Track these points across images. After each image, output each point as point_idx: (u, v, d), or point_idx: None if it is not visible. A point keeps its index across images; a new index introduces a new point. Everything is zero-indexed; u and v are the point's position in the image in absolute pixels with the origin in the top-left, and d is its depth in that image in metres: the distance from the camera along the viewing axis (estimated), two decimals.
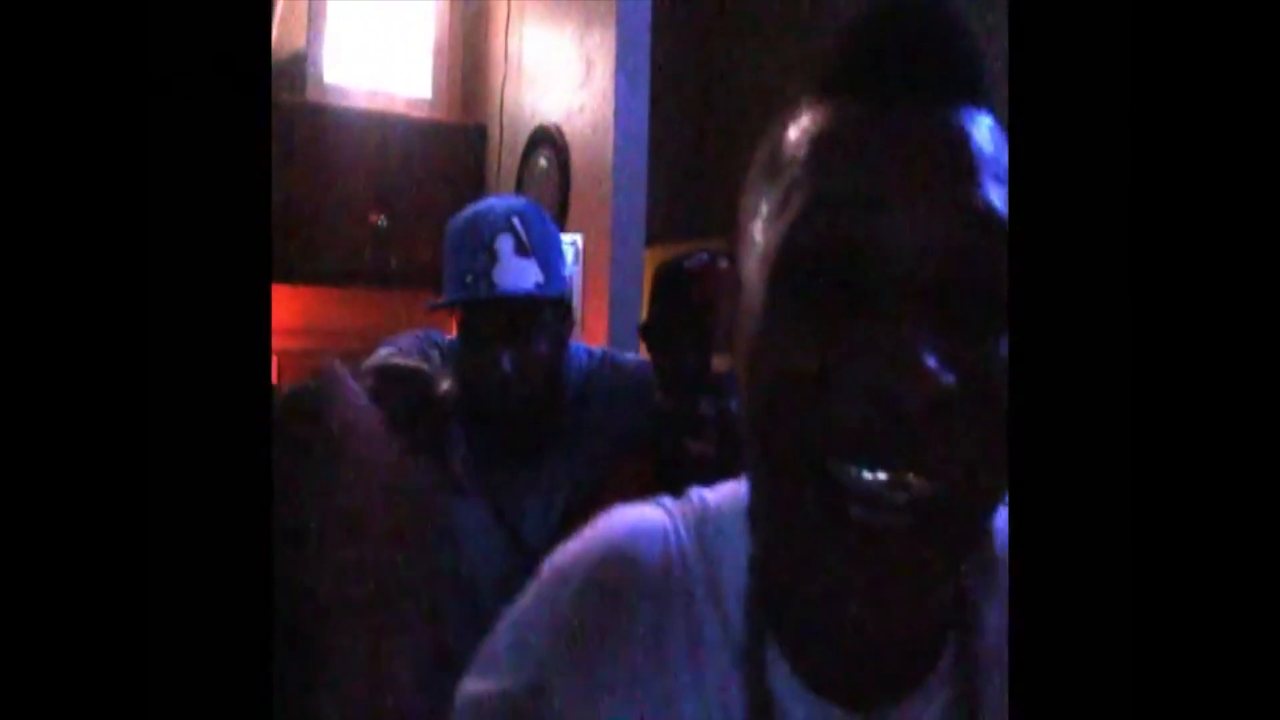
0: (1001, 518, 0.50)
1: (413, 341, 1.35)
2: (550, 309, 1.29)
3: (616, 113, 2.53)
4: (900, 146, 0.40)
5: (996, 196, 0.40)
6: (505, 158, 3.08)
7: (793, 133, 0.44)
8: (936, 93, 0.42)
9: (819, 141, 0.42)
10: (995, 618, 0.49)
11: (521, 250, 1.26)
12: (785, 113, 0.47)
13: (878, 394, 0.37)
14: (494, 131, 3.15)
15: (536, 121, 2.89)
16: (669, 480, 0.58)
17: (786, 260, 0.41)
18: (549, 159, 2.81)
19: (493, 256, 1.24)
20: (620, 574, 0.52)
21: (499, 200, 1.33)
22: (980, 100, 0.43)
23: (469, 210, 1.31)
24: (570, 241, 2.66)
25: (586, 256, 2.60)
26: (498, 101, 3.12)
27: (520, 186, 2.95)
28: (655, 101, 2.56)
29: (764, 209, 0.44)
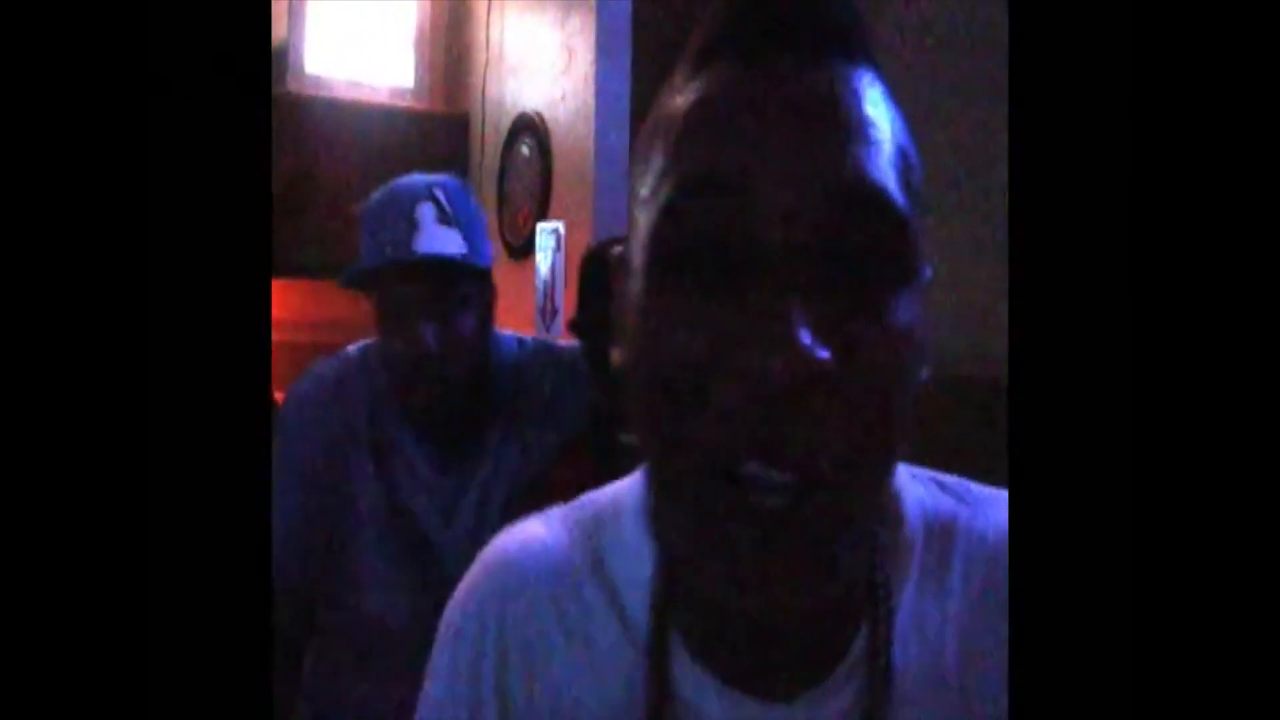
0: (913, 503, 0.50)
1: (343, 370, 1.27)
2: (475, 282, 1.20)
3: (598, 99, 2.52)
4: (766, 117, 0.39)
5: (869, 161, 0.38)
6: (487, 146, 3.07)
7: (666, 110, 0.43)
8: (808, 52, 0.40)
9: (686, 118, 0.41)
10: (908, 603, 0.48)
11: (443, 219, 1.17)
12: (665, 87, 0.45)
13: (752, 376, 0.36)
14: (476, 120, 3.14)
15: (518, 110, 2.88)
16: (605, 476, 0.57)
17: (659, 245, 0.40)
18: (531, 147, 2.80)
19: (413, 225, 1.15)
20: (513, 594, 0.52)
21: (420, 175, 1.24)
22: (856, 56, 0.42)
23: (388, 185, 1.23)
24: (553, 229, 2.66)
25: (569, 243, 2.59)
26: (479, 90, 3.11)
27: (503, 175, 2.94)
28: (637, 87, 2.55)
29: (641, 191, 0.43)
